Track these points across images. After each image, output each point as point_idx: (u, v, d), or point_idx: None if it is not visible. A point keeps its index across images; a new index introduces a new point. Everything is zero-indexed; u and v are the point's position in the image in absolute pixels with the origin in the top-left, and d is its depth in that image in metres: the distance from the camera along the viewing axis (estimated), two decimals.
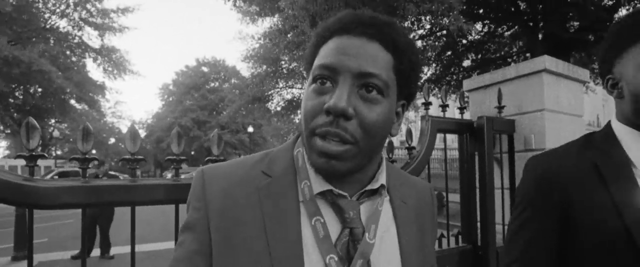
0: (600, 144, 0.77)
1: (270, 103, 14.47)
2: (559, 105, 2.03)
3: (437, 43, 8.74)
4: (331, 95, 0.49)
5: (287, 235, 0.51)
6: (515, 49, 8.98)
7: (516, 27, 8.13)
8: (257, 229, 0.51)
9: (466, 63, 9.18)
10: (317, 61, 0.52)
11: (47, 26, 15.03)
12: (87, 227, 1.01)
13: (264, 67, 12.11)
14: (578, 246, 0.71)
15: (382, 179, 0.57)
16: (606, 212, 0.68)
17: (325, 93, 0.50)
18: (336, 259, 0.50)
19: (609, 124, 0.80)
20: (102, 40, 15.98)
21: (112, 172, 6.71)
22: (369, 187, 0.55)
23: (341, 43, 0.50)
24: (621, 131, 0.75)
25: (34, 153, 0.94)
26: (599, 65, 0.80)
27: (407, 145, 1.66)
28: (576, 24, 7.36)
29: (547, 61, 1.94)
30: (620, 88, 0.74)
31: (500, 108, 1.96)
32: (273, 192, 0.54)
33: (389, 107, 0.53)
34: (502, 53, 9.05)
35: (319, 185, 0.53)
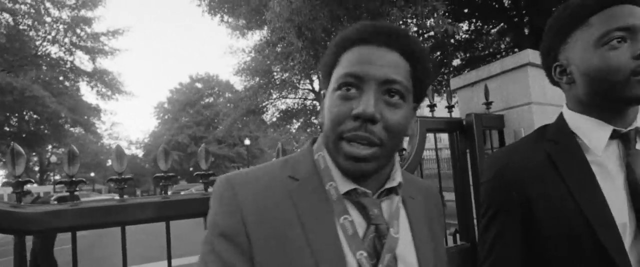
0: (553, 136, 0.76)
1: (265, 115, 14.51)
2: (546, 97, 2.05)
3: (425, 45, 8.81)
4: (358, 102, 0.52)
5: (326, 232, 0.53)
6: (503, 46, 9.07)
7: (502, 23, 8.23)
8: (296, 229, 0.52)
9: (456, 62, 9.25)
10: (342, 69, 0.55)
11: (39, 53, 15.09)
12: (76, 251, 1.00)
13: (257, 79, 12.18)
14: (542, 239, 0.71)
15: (398, 177, 0.60)
16: (564, 203, 0.68)
17: (350, 99, 0.53)
18: (366, 255, 0.53)
19: (561, 115, 0.79)
20: (93, 63, 16.06)
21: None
22: (388, 186, 0.58)
23: (364, 52, 0.54)
24: (573, 119, 0.75)
25: (20, 179, 0.94)
26: (543, 58, 0.80)
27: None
28: None
29: (530, 54, 1.96)
30: (569, 73, 0.73)
31: (488, 104, 1.98)
32: (304, 194, 0.56)
33: (408, 110, 0.57)
34: (491, 50, 9.13)
35: (344, 185, 0.56)
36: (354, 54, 0.54)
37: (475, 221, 1.81)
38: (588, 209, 0.65)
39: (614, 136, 0.69)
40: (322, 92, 0.64)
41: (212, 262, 0.52)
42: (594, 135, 0.70)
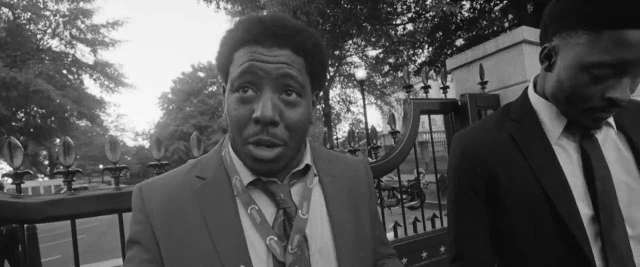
0: (516, 116, 0.77)
1: None
2: None
3: (427, 25, 8.69)
4: (257, 105, 0.52)
5: (228, 227, 0.55)
6: (506, 24, 8.90)
7: (505, 0, 8.06)
8: (200, 228, 0.55)
9: (459, 42, 9.13)
10: (235, 70, 0.54)
11: (40, 47, 15.12)
12: (76, 239, 1.04)
13: None
14: (506, 213, 0.74)
15: (307, 159, 0.62)
16: (526, 178, 0.70)
17: (249, 102, 0.53)
18: (276, 239, 0.55)
19: (525, 94, 0.80)
20: (95, 55, 16.07)
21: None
22: (296, 169, 0.60)
23: (255, 53, 0.52)
24: (537, 103, 0.76)
25: (18, 171, 0.97)
26: (542, 28, 0.73)
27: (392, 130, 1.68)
28: None
29: (525, 32, 1.94)
30: (552, 63, 0.69)
31: (483, 84, 1.97)
32: (209, 192, 0.58)
33: (308, 105, 0.58)
34: (494, 28, 8.97)
35: (248, 177, 0.58)
36: (246, 54, 0.53)
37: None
38: (547, 184, 0.68)
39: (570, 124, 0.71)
40: (222, 85, 0.64)
41: None
42: (551, 122, 0.73)
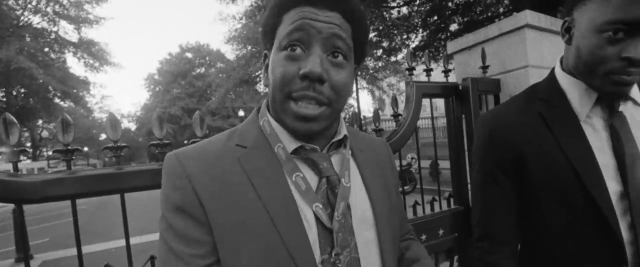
0: (544, 95, 0.78)
1: (258, 85, 14.32)
2: (543, 60, 2.03)
3: (422, 8, 8.60)
4: (305, 62, 0.52)
5: (278, 192, 0.54)
6: (501, 9, 8.88)
7: None
8: (250, 193, 0.53)
9: (453, 27, 9.09)
10: (285, 29, 0.54)
11: (21, 23, 14.51)
12: (77, 220, 1.01)
13: (249, 47, 11.90)
14: (534, 193, 0.75)
15: (344, 130, 0.63)
16: (555, 157, 0.72)
17: (296, 59, 0.53)
18: (321, 206, 0.55)
19: (552, 73, 0.81)
20: (78, 33, 15.53)
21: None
22: (335, 139, 0.61)
23: (307, 13, 0.53)
24: (563, 79, 0.77)
25: (15, 149, 0.93)
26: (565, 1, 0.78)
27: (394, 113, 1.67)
28: None
29: (528, 16, 1.92)
30: (572, 35, 0.72)
31: (484, 68, 1.96)
32: (253, 159, 0.57)
33: (351, 70, 0.58)
34: (489, 14, 8.95)
35: (291, 144, 0.58)
36: (297, 14, 0.53)
37: (469, 185, 1.85)
38: (577, 162, 0.69)
39: (600, 99, 0.72)
40: (264, 52, 0.64)
41: (171, 238, 0.53)
42: (580, 99, 0.73)
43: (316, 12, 0.52)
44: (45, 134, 22.82)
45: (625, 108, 0.72)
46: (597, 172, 0.68)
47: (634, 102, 0.73)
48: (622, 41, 0.62)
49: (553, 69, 0.81)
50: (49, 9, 14.59)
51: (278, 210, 0.53)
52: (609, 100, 0.71)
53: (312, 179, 0.58)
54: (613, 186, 0.67)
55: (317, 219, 0.55)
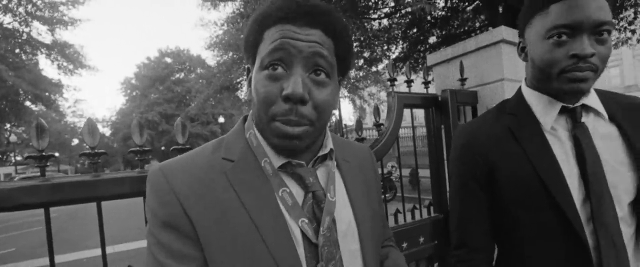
0: (512, 109, 0.85)
1: (239, 91, 14.19)
2: (517, 74, 2.12)
3: (402, 21, 8.81)
4: (286, 83, 0.52)
5: (266, 207, 0.55)
6: (478, 24, 9.21)
7: (477, 1, 8.33)
8: (238, 208, 0.53)
9: (432, 40, 9.34)
10: (266, 48, 0.53)
11: None
12: (50, 229, 0.96)
13: (230, 54, 11.78)
14: (504, 201, 0.80)
15: (329, 144, 0.63)
16: (523, 167, 0.76)
17: (278, 79, 0.53)
18: (307, 221, 0.56)
19: (519, 89, 0.87)
20: (52, 35, 14.97)
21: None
22: (320, 154, 0.61)
23: (287, 31, 0.52)
24: (528, 94, 0.83)
25: None
26: (518, 32, 0.87)
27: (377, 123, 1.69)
28: None
29: (504, 32, 2.01)
30: (526, 52, 0.81)
31: (462, 80, 2.03)
32: (240, 174, 0.56)
33: (334, 87, 0.58)
34: (466, 28, 9.26)
35: (278, 160, 0.58)
36: (278, 32, 0.52)
37: (448, 194, 1.89)
38: (543, 172, 0.73)
39: (563, 111, 0.78)
40: (246, 66, 0.63)
41: (160, 253, 0.52)
42: (544, 111, 0.79)
43: (296, 31, 0.52)
44: (13, 138, 21.73)
45: (588, 120, 0.77)
46: (562, 180, 0.72)
47: (596, 113, 0.78)
48: (567, 43, 0.70)
49: (520, 86, 0.87)
50: (20, 9, 14.03)
51: (267, 226, 0.53)
52: (570, 100, 0.77)
53: (299, 194, 0.58)
54: (577, 193, 0.72)
55: (303, 234, 0.55)
